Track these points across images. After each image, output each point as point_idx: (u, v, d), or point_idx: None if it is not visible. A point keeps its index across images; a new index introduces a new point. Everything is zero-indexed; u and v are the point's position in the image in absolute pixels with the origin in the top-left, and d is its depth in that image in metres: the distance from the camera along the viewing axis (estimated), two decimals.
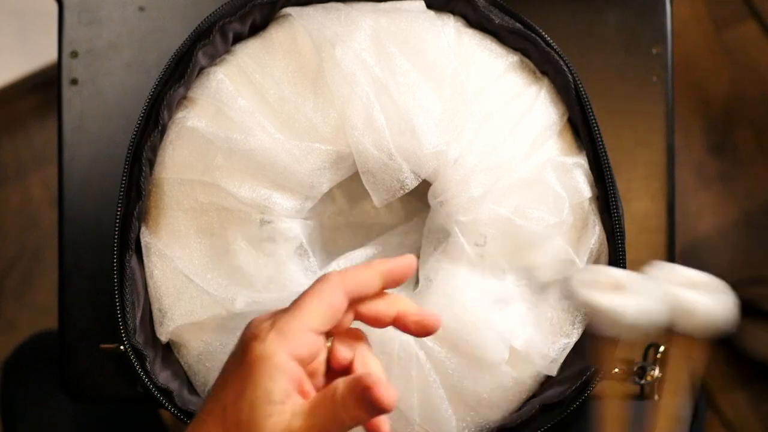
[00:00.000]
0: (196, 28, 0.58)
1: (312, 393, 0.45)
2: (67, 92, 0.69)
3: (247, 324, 0.47)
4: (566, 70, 0.58)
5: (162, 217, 0.59)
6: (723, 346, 1.31)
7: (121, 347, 0.56)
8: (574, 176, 0.58)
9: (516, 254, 0.58)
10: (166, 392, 0.57)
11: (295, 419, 0.43)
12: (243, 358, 0.45)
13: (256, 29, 0.61)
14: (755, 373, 1.31)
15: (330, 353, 0.47)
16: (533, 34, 0.59)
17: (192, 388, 0.60)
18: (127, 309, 0.56)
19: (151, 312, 0.59)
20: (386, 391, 0.43)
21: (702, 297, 0.52)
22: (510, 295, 0.58)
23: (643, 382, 0.63)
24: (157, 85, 0.57)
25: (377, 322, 0.48)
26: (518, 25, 0.59)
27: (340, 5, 0.60)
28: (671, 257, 0.70)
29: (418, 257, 0.61)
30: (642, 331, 0.51)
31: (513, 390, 0.58)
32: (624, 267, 0.57)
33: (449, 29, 0.59)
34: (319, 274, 0.58)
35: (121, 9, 0.70)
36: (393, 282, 0.48)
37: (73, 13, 0.70)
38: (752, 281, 1.32)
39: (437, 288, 0.57)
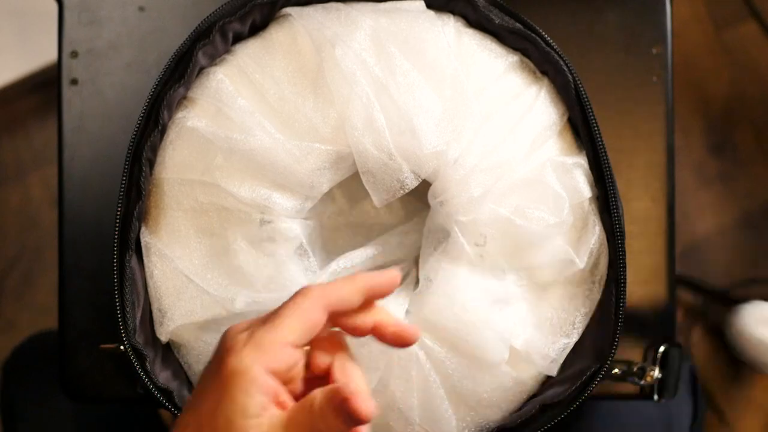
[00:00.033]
0: (196, 28, 0.58)
1: (289, 403, 0.45)
2: (67, 92, 0.69)
3: (223, 333, 0.46)
4: (566, 70, 0.58)
5: (162, 217, 0.59)
6: (723, 346, 1.31)
7: (121, 347, 0.56)
8: (574, 176, 0.58)
9: (516, 254, 0.58)
10: (166, 392, 0.57)
11: (272, 431, 0.43)
12: (218, 371, 0.44)
13: (256, 29, 0.61)
14: (755, 373, 1.31)
15: (308, 359, 0.47)
16: (533, 34, 0.59)
17: (192, 388, 0.60)
18: (127, 309, 0.56)
19: (151, 312, 0.59)
20: (364, 402, 0.43)
21: None
22: (510, 295, 0.58)
23: (643, 382, 0.63)
24: (157, 85, 0.57)
25: (355, 332, 0.48)
26: (518, 25, 0.59)
27: (340, 5, 0.60)
28: (671, 257, 0.70)
29: (418, 257, 0.62)
30: None
31: (513, 390, 0.58)
32: (624, 267, 0.57)
33: (449, 29, 0.59)
34: (319, 274, 0.58)
35: (121, 9, 0.70)
36: (374, 297, 0.47)
37: (73, 13, 0.70)
38: (752, 281, 1.32)
39: (437, 288, 0.57)
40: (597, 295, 0.59)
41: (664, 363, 0.64)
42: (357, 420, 0.42)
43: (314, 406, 0.44)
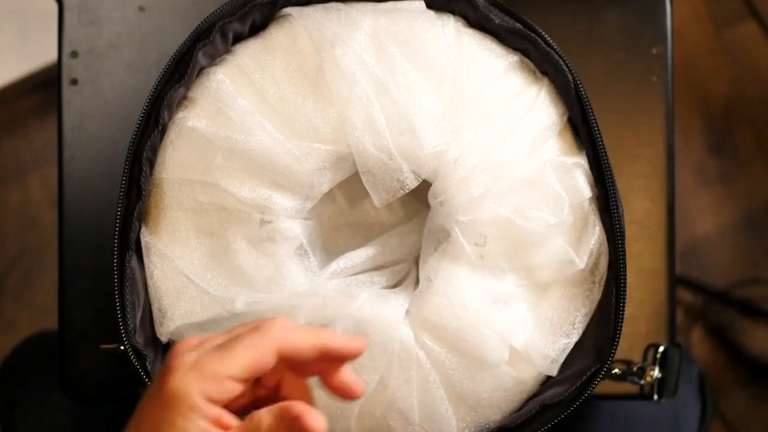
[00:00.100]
0: (196, 28, 0.58)
1: (233, 423, 0.44)
2: (67, 92, 0.69)
3: (172, 347, 0.47)
4: (566, 70, 0.58)
5: (162, 217, 0.59)
6: (723, 346, 1.31)
7: (121, 347, 0.56)
8: (574, 176, 0.58)
9: (516, 254, 0.58)
10: None
11: None
12: (159, 391, 0.44)
13: (256, 29, 0.61)
14: (755, 373, 1.31)
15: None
16: (533, 34, 0.59)
17: None
18: (127, 309, 0.56)
19: (151, 312, 0.59)
20: (317, 419, 0.43)
21: None
22: (510, 295, 0.58)
23: (642, 382, 0.63)
24: (157, 85, 0.57)
25: (298, 372, 0.48)
26: (518, 25, 0.59)
27: (340, 5, 0.60)
28: (671, 257, 0.70)
29: (418, 257, 0.62)
30: None
31: (513, 390, 0.58)
32: (624, 267, 0.57)
33: (449, 29, 0.59)
34: (319, 273, 0.58)
35: (121, 9, 0.70)
36: (332, 359, 0.47)
37: (73, 13, 0.70)
38: (752, 281, 1.33)
39: (437, 288, 0.57)
40: (597, 295, 0.59)
41: (663, 363, 0.64)
42: None
43: (262, 427, 0.43)
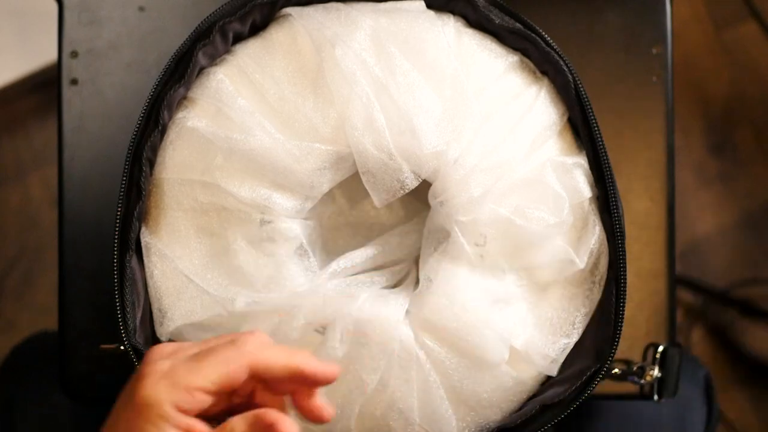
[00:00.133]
0: (196, 28, 0.58)
1: (204, 430, 0.45)
2: (67, 92, 0.69)
3: (147, 352, 0.47)
4: (566, 70, 0.58)
5: (162, 217, 0.59)
6: (723, 346, 1.31)
7: (121, 347, 0.56)
8: (574, 176, 0.58)
9: (516, 254, 0.58)
10: None
11: None
12: (131, 397, 0.45)
13: (256, 29, 0.61)
14: (755, 373, 1.31)
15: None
16: (533, 34, 0.59)
17: None
18: (127, 309, 0.56)
19: (151, 312, 0.59)
20: (290, 427, 0.43)
21: None
22: (510, 295, 0.58)
23: (642, 381, 0.63)
24: (157, 85, 0.57)
25: (270, 389, 0.48)
26: (518, 25, 0.59)
27: (340, 5, 0.60)
28: (671, 257, 0.70)
29: (418, 257, 0.62)
30: None
31: (513, 390, 0.58)
32: (624, 267, 0.57)
33: (449, 29, 0.59)
34: (319, 273, 0.58)
35: (121, 9, 0.70)
36: (302, 383, 0.47)
37: (73, 13, 0.70)
38: (752, 281, 1.33)
39: (437, 288, 0.57)
40: (597, 295, 0.59)
41: (663, 362, 0.64)
42: None
43: None
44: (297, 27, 0.59)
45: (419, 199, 0.63)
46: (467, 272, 0.57)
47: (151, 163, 0.58)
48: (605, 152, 0.58)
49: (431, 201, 0.59)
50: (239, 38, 0.60)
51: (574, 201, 0.58)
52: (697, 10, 1.38)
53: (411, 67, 0.57)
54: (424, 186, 0.58)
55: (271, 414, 0.44)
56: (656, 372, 0.63)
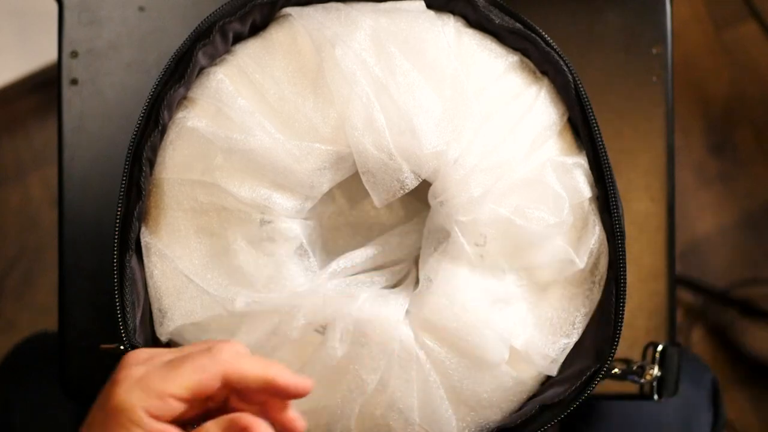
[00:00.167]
0: (196, 28, 0.58)
1: None
2: (67, 92, 0.69)
3: (123, 357, 0.47)
4: (566, 70, 0.58)
5: (162, 217, 0.59)
6: (723, 346, 1.31)
7: (121, 347, 0.56)
8: (574, 176, 0.58)
9: (516, 254, 0.58)
10: None
11: None
12: (106, 402, 0.45)
13: (256, 29, 0.61)
14: (755, 373, 1.31)
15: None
16: (533, 34, 0.59)
17: None
18: (127, 309, 0.56)
19: (151, 312, 0.59)
20: (265, 430, 0.44)
21: None
22: (510, 295, 0.58)
23: (642, 381, 0.63)
24: (157, 85, 0.57)
25: (244, 398, 0.48)
26: (518, 25, 0.59)
27: (340, 5, 0.60)
28: (671, 257, 0.70)
29: (418, 257, 0.62)
30: None
31: (513, 390, 0.58)
32: (624, 267, 0.57)
33: (449, 29, 0.59)
34: (319, 273, 0.58)
35: (121, 9, 0.70)
36: (274, 395, 0.47)
37: (73, 13, 0.70)
38: (752, 281, 1.33)
39: (437, 288, 0.57)
40: (597, 295, 0.59)
41: (663, 361, 0.64)
42: None
43: None
44: (297, 27, 0.59)
45: (419, 199, 0.63)
46: (467, 272, 0.57)
47: (151, 163, 0.58)
48: (605, 152, 0.58)
49: (431, 201, 0.59)
50: (239, 38, 0.60)
51: (574, 201, 0.58)
52: (697, 10, 1.38)
53: (411, 67, 0.57)
54: (424, 186, 0.58)
55: (246, 418, 0.44)
56: (656, 371, 0.63)
